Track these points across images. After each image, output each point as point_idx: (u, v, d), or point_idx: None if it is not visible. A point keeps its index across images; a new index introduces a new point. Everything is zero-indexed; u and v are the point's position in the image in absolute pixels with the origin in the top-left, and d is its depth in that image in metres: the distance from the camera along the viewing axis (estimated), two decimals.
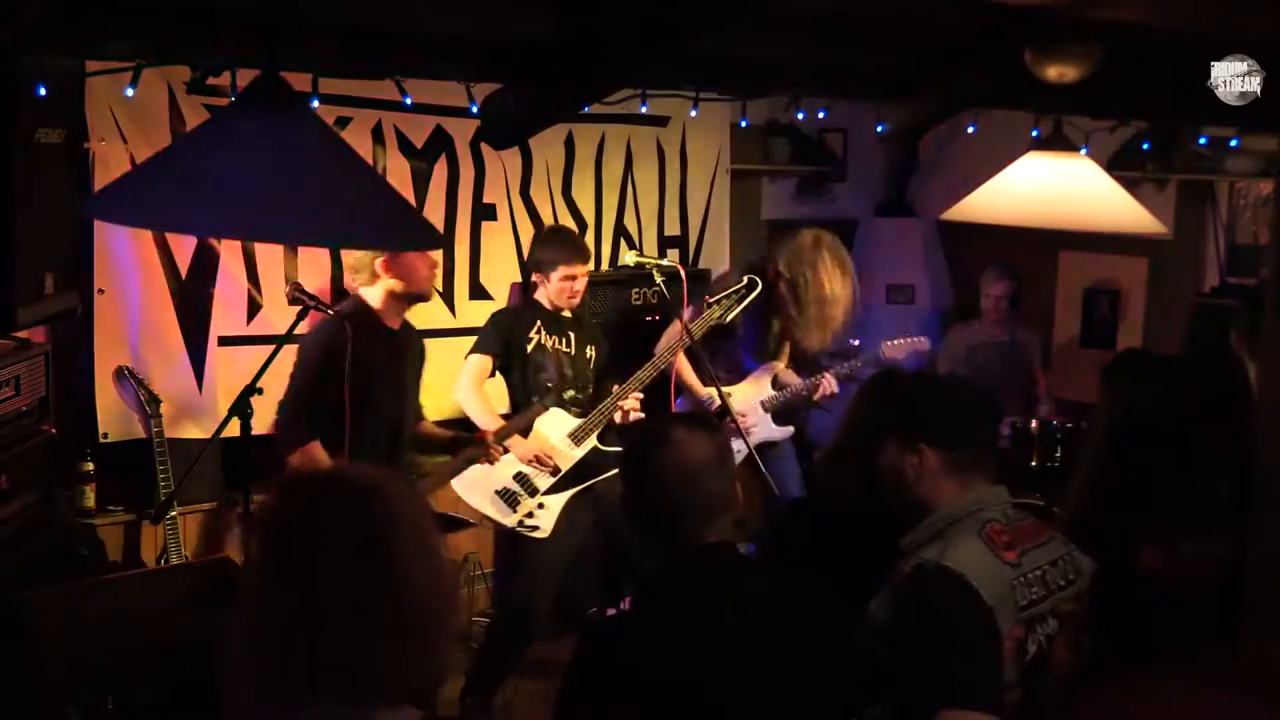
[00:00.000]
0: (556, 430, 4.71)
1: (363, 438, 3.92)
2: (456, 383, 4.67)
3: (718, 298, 4.87)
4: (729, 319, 4.90)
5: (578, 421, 4.73)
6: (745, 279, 4.90)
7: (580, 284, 4.72)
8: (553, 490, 4.67)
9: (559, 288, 4.68)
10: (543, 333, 4.72)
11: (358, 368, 3.75)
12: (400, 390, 4.27)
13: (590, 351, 4.86)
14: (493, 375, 4.72)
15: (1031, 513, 2.39)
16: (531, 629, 4.65)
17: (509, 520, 4.62)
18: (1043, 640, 2.22)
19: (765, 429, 5.17)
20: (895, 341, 5.35)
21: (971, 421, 2.36)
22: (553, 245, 4.78)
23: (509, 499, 4.63)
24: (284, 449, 4.02)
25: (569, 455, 4.69)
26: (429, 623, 1.53)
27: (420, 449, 4.57)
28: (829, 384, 5.12)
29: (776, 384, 5.24)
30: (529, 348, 4.69)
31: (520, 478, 4.65)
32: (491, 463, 4.50)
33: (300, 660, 1.48)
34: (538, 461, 4.63)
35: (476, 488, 4.63)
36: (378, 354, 4.05)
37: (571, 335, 4.80)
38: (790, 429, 5.29)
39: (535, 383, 4.70)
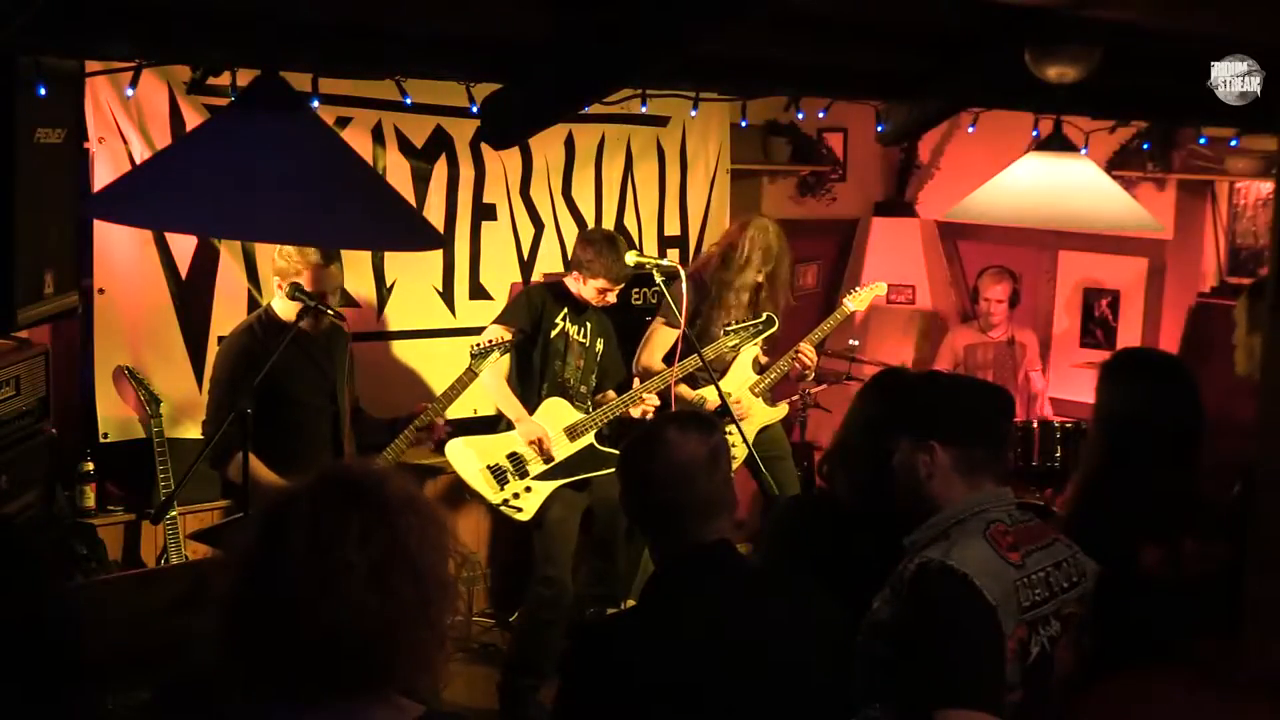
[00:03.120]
0: (556, 421, 4.72)
1: (302, 435, 3.98)
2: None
3: (735, 328, 4.87)
4: (740, 351, 4.93)
5: (578, 417, 4.75)
6: (765, 315, 4.91)
7: (612, 297, 4.73)
8: (542, 477, 4.68)
9: (593, 295, 4.69)
10: (568, 320, 4.74)
11: (276, 373, 3.72)
12: (328, 386, 4.18)
13: (600, 344, 4.88)
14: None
15: (1036, 514, 2.38)
16: (561, 619, 4.57)
17: (495, 498, 4.63)
18: (1045, 642, 2.21)
19: (761, 414, 5.17)
20: (856, 292, 5.42)
21: (984, 420, 2.35)
22: (603, 257, 4.62)
23: (499, 476, 4.64)
24: (217, 462, 3.97)
25: (564, 447, 4.71)
26: (440, 602, 1.54)
27: (367, 438, 4.42)
28: (807, 354, 5.14)
29: (757, 367, 5.23)
30: (553, 334, 4.70)
31: (514, 457, 4.66)
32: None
33: (312, 652, 1.48)
34: (538, 445, 4.63)
35: (469, 459, 4.64)
36: (293, 356, 3.93)
37: (589, 325, 4.81)
38: (784, 408, 5.28)
39: (549, 370, 4.70)
